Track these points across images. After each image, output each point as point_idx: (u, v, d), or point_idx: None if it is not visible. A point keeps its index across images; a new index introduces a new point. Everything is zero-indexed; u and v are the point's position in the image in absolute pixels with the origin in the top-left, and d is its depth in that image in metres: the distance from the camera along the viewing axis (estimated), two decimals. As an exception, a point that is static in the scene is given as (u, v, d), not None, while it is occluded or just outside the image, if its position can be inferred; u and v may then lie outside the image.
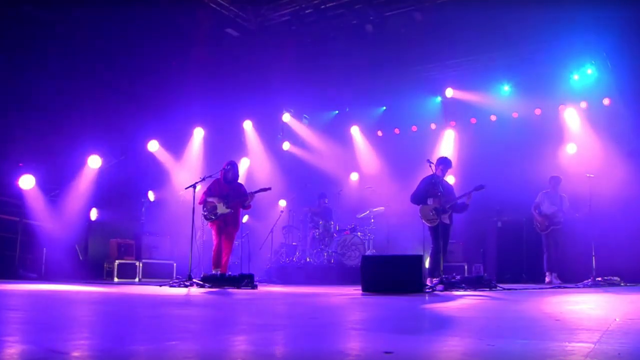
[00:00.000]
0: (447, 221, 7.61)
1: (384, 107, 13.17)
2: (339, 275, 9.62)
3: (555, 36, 10.39)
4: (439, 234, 7.43)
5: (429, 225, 7.66)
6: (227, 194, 8.01)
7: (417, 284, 6.20)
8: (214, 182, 8.17)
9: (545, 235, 9.25)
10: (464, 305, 4.78)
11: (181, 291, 6.47)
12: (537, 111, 11.28)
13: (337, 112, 13.75)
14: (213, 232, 8.08)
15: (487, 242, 10.76)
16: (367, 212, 10.96)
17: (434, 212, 7.56)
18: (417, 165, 8.57)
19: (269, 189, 8.29)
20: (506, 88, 11.66)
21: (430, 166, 7.56)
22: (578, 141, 10.71)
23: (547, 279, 9.03)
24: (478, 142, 11.59)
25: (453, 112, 12.25)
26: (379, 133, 13.27)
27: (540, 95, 11.16)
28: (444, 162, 7.78)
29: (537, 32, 10.24)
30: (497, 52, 11.17)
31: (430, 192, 7.63)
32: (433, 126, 12.53)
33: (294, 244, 11.13)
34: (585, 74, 10.93)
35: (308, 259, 10.54)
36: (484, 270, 10.04)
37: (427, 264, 7.45)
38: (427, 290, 6.40)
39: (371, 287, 6.34)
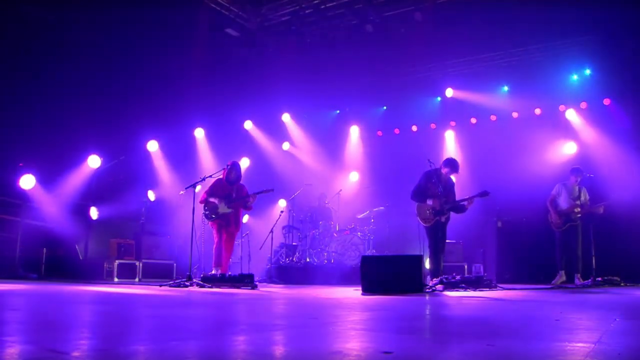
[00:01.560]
0: (443, 220, 7.58)
1: (385, 107, 13.17)
2: (339, 275, 9.62)
3: (556, 36, 10.41)
4: (438, 234, 7.42)
5: (424, 225, 7.63)
6: (228, 194, 8.05)
7: (417, 284, 6.20)
8: (215, 181, 8.20)
9: (560, 232, 8.80)
10: (464, 305, 4.78)
11: (181, 291, 6.47)
12: (537, 111, 11.30)
13: (337, 111, 13.74)
14: (214, 231, 8.15)
15: (487, 242, 10.75)
16: (367, 212, 10.96)
17: (430, 211, 7.54)
18: (417, 165, 8.58)
19: (272, 190, 8.31)
20: (506, 88, 11.67)
21: (430, 166, 7.56)
22: (578, 141, 10.72)
23: (558, 279, 8.73)
24: (478, 142, 11.60)
25: (453, 112, 12.26)
26: (379, 133, 13.28)
27: (540, 95, 11.17)
28: (451, 165, 7.60)
29: (537, 32, 10.26)
30: (497, 52, 11.19)
31: (429, 189, 7.60)
32: (433, 126, 12.54)
33: (294, 244, 11.13)
34: (585, 74, 10.94)
35: (308, 259, 10.54)
36: (484, 270, 10.04)
37: (427, 264, 7.44)
38: (427, 290, 6.40)
39: (371, 287, 6.33)
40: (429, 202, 7.53)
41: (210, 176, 8.20)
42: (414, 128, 12.73)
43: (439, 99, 12.43)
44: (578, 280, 8.52)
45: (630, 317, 3.84)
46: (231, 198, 8.04)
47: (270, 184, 8.99)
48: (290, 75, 11.82)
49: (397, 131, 13.04)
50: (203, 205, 8.15)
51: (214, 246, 8.09)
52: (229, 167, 8.15)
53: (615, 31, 9.74)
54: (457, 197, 7.73)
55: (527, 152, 10.62)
